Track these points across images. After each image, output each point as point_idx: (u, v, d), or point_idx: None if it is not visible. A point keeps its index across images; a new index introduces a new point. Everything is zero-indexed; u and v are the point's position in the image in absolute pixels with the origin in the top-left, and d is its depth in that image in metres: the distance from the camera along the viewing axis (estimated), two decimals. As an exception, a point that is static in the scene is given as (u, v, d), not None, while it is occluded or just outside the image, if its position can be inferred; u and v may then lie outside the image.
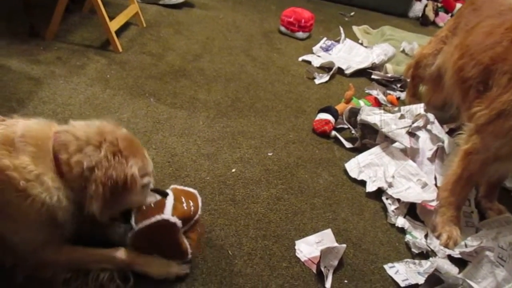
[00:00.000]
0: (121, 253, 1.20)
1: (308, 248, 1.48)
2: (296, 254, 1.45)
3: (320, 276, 1.38)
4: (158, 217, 1.19)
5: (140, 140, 1.76)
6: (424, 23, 3.86)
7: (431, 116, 1.98)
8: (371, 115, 2.00)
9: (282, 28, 3.09)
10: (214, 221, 1.51)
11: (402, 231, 1.64)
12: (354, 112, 2.08)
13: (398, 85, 2.62)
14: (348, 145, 2.04)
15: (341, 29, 3.09)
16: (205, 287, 1.28)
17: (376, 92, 2.44)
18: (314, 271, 1.40)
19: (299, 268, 1.41)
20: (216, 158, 1.81)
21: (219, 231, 1.47)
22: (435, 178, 1.85)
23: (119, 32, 2.52)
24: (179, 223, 1.20)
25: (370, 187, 1.81)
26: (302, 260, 1.44)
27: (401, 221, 1.66)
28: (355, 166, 1.91)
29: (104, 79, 2.18)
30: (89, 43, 2.46)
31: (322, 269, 1.38)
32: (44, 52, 2.29)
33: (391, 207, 1.72)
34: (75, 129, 1.14)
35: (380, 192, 1.79)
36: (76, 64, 2.25)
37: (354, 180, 1.85)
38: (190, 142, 1.86)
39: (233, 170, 1.76)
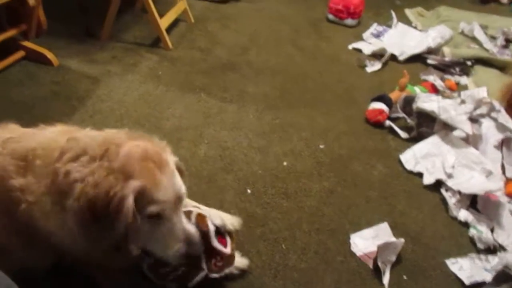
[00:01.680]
0: None
1: (364, 242, 1.44)
2: (351, 248, 1.42)
3: (377, 272, 1.34)
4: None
5: (192, 135, 1.84)
6: (484, 0, 3.60)
7: (496, 104, 1.84)
8: (427, 102, 1.90)
9: (330, 16, 3.00)
10: (267, 214, 1.51)
11: (465, 224, 1.55)
12: (409, 100, 1.99)
13: (457, 69, 2.47)
14: (403, 135, 1.96)
15: (393, 13, 2.96)
16: (259, 280, 1.28)
17: (433, 78, 2.31)
18: (371, 266, 1.36)
19: (355, 263, 1.37)
20: (267, 151, 1.80)
21: (273, 224, 1.47)
22: (502, 167, 1.72)
23: (169, 29, 2.57)
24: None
25: (428, 179, 1.72)
26: (358, 255, 1.40)
27: (463, 214, 1.58)
28: (411, 157, 1.82)
29: (156, 76, 2.23)
30: (141, 41, 2.54)
31: (379, 264, 1.34)
32: (100, 51, 2.39)
33: (452, 200, 1.63)
34: (82, 136, 1.01)
35: (439, 183, 1.70)
36: (130, 62, 2.32)
37: (411, 172, 1.77)
38: (241, 136, 1.87)
39: (285, 163, 1.75)
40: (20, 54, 2.20)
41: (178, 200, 0.99)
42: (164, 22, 2.48)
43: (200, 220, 1.13)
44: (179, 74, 2.26)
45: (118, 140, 0.97)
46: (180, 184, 1.00)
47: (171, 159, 1.02)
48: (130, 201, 0.90)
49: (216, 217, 1.20)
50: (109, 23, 2.46)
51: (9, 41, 2.15)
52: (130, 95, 2.07)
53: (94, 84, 2.12)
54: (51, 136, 1.06)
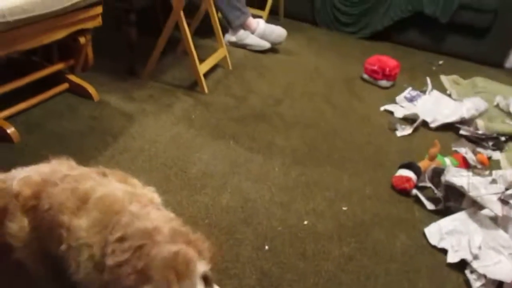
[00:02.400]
0: None
1: (380, 319, 1.38)
2: (367, 323, 1.37)
3: None
4: None
5: (217, 182, 1.85)
6: (522, 75, 3.58)
7: (528, 185, 1.79)
8: (457, 177, 1.87)
9: (365, 76, 3.05)
10: (283, 275, 1.48)
11: (489, 312, 1.47)
12: (438, 171, 1.95)
13: (490, 143, 2.43)
14: (430, 206, 1.91)
15: (428, 79, 2.98)
16: None
17: (465, 150, 2.28)
18: None
19: None
20: (289, 207, 1.79)
21: (287, 287, 1.44)
22: (532, 255, 1.65)
23: (206, 73, 2.67)
24: None
25: (452, 258, 1.66)
26: (373, 331, 1.34)
27: (488, 301, 1.50)
28: (436, 232, 1.77)
29: (189, 119, 2.30)
30: (179, 83, 2.64)
31: None
32: (139, 90, 2.49)
33: (476, 283, 1.56)
34: (142, 214, 1.03)
35: (463, 263, 1.63)
36: (165, 103, 2.41)
37: (435, 246, 1.72)
38: (264, 189, 1.87)
39: (305, 222, 1.73)
40: (64, 86, 2.33)
41: None
42: (203, 67, 2.58)
43: None
44: (211, 119, 2.32)
45: (159, 237, 0.98)
46: None
47: (200, 269, 1.01)
48: None
49: None
50: (152, 63, 2.59)
51: (56, 73, 2.28)
52: (162, 135, 2.13)
53: (129, 122, 2.20)
54: (117, 194, 1.07)
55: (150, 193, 1.19)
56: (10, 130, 1.94)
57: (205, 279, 1.03)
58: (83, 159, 1.87)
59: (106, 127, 2.13)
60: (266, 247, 1.58)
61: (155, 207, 1.12)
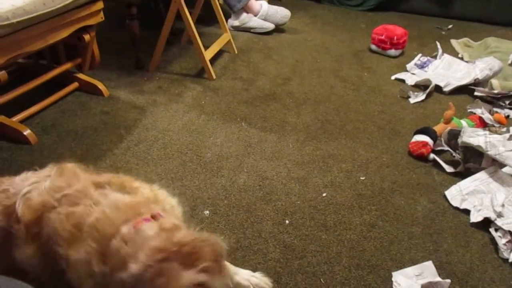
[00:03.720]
0: None
1: (407, 281, 1.38)
2: (393, 287, 1.36)
3: (421, 313, 1.28)
4: None
5: (232, 164, 1.87)
6: (536, 31, 3.48)
7: (549, 138, 1.75)
8: (474, 137, 1.83)
9: (373, 47, 3.00)
10: (306, 247, 1.49)
11: (518, 267, 1.46)
12: (455, 133, 1.92)
13: (507, 102, 2.37)
14: (449, 169, 1.89)
15: (438, 44, 2.91)
16: (297, 316, 1.26)
17: (481, 111, 2.23)
18: (414, 307, 1.30)
19: (397, 303, 1.32)
20: (306, 182, 1.79)
21: (311, 257, 1.45)
22: (558, 208, 1.62)
23: (212, 60, 2.67)
24: None
25: (475, 217, 1.64)
26: (400, 294, 1.34)
27: (515, 256, 1.48)
28: (457, 194, 1.75)
29: (199, 106, 2.31)
30: (186, 72, 2.64)
31: (423, 305, 1.28)
32: (148, 82, 2.51)
33: (502, 240, 1.54)
34: (129, 239, 0.93)
35: (487, 222, 1.61)
36: (175, 92, 2.42)
37: (457, 208, 1.70)
38: (280, 166, 1.88)
39: (324, 195, 1.73)
40: (74, 85, 2.36)
41: None
42: (208, 54, 2.58)
43: None
44: (221, 104, 2.33)
45: (174, 247, 0.88)
46: None
47: (219, 283, 0.92)
48: None
49: (245, 279, 1.25)
50: (157, 55, 2.60)
51: (65, 73, 2.32)
52: (174, 124, 2.15)
53: (141, 114, 2.22)
54: (109, 214, 1.00)
55: (153, 194, 1.11)
56: (27, 132, 1.98)
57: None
58: (100, 153, 1.91)
59: (119, 121, 2.16)
60: (287, 222, 1.59)
61: (153, 217, 1.00)
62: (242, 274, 1.29)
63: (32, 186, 1.11)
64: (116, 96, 2.36)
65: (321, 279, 1.37)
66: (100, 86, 2.36)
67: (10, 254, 1.08)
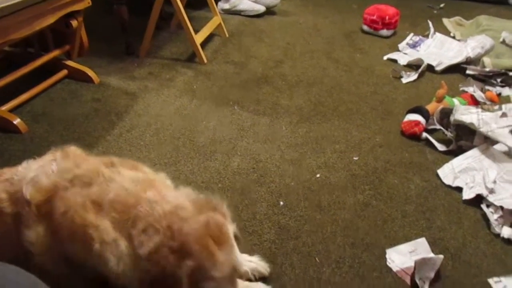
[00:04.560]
0: None
1: (401, 258, 1.40)
2: (388, 263, 1.38)
3: (414, 288, 1.30)
4: None
5: (226, 147, 1.86)
6: (527, 9, 3.47)
7: (540, 114, 1.76)
8: (466, 114, 1.84)
9: (365, 27, 2.98)
10: (300, 227, 1.50)
11: (509, 242, 1.47)
12: (447, 112, 1.93)
13: (499, 80, 2.38)
14: (441, 147, 1.90)
15: (430, 23, 2.90)
16: (293, 294, 1.27)
17: (473, 89, 2.24)
18: (408, 282, 1.32)
19: (391, 279, 1.33)
20: (300, 163, 1.79)
21: (306, 237, 1.46)
22: (548, 184, 1.63)
23: (203, 44, 2.64)
24: None
25: (467, 194, 1.66)
26: (394, 270, 1.36)
27: (507, 231, 1.49)
28: (450, 172, 1.76)
29: (191, 90, 2.29)
30: (177, 56, 2.62)
31: (417, 281, 1.29)
32: (138, 68, 2.48)
33: (494, 216, 1.56)
34: (158, 199, 1.04)
35: (479, 199, 1.63)
36: (166, 78, 2.40)
37: (449, 186, 1.71)
38: (273, 148, 1.88)
39: (318, 176, 1.73)
40: (63, 73, 2.33)
41: (235, 273, 1.03)
42: (199, 38, 2.55)
43: None
44: (213, 88, 2.31)
45: (184, 213, 1.00)
46: (237, 259, 1.03)
47: (231, 230, 1.04)
48: (184, 280, 0.95)
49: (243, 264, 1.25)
50: (146, 41, 2.56)
51: (53, 61, 2.28)
52: (166, 109, 2.13)
53: (132, 100, 2.20)
54: (128, 187, 1.06)
55: (163, 178, 1.18)
56: (16, 121, 1.95)
57: (236, 238, 1.05)
58: (92, 141, 1.90)
59: (110, 107, 2.14)
60: (281, 203, 1.59)
61: (170, 189, 1.12)
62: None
63: (38, 171, 1.11)
64: (106, 83, 2.33)
65: (316, 258, 1.38)
66: (90, 73, 2.33)
67: (18, 241, 1.07)
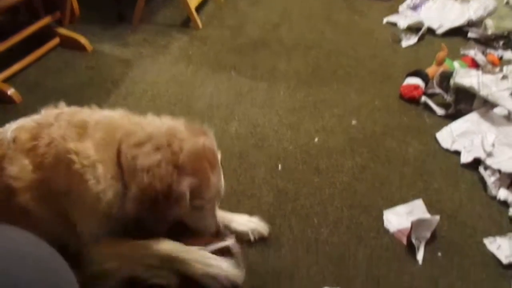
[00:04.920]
0: (166, 245, 1.09)
1: (398, 219, 1.41)
2: (385, 225, 1.40)
3: (411, 248, 1.32)
4: (222, 243, 1.11)
5: (223, 113, 1.85)
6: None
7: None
8: (466, 78, 1.82)
9: (364, -10, 2.90)
10: (299, 190, 1.51)
11: (505, 204, 1.48)
12: (447, 75, 1.90)
13: (501, 43, 2.33)
14: (440, 111, 1.88)
15: (431, -16, 2.81)
16: (292, 253, 1.29)
17: (474, 52, 2.20)
18: (404, 242, 1.34)
19: (388, 239, 1.35)
20: (298, 128, 1.79)
21: (304, 200, 1.47)
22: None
23: (198, 8, 2.57)
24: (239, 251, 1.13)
25: (465, 158, 1.66)
26: (391, 231, 1.38)
27: (503, 193, 1.51)
28: (448, 136, 1.76)
29: (187, 56, 2.25)
30: (172, 22, 2.55)
31: (413, 241, 1.31)
32: (132, 35, 2.42)
33: (491, 179, 1.56)
34: (147, 122, 1.10)
35: (477, 162, 1.63)
36: (161, 44, 2.35)
37: (448, 150, 1.71)
38: (271, 113, 1.86)
39: (316, 140, 1.73)
40: (55, 41, 2.26)
41: (218, 196, 1.14)
42: (193, 2, 2.49)
43: None
44: (209, 53, 2.27)
45: (181, 135, 1.06)
46: (222, 183, 1.13)
47: (219, 155, 1.13)
48: (187, 197, 1.03)
49: (242, 224, 1.30)
50: (140, 6, 2.49)
51: (45, 28, 2.21)
52: (162, 76, 2.10)
53: (127, 67, 2.16)
54: (112, 115, 1.13)
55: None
56: (10, 91, 1.92)
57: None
58: (88, 107, 1.87)
59: (105, 75, 2.10)
60: (280, 167, 1.60)
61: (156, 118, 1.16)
62: (239, 220, 1.31)
63: (22, 122, 1.15)
64: (100, 51, 2.28)
65: (315, 220, 1.40)
66: (83, 40, 2.27)
67: (2, 173, 1.07)
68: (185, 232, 1.15)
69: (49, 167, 1.05)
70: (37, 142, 1.07)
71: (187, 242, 1.11)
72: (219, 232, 1.16)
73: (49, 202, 1.08)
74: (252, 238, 1.29)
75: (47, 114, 1.15)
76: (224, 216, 1.28)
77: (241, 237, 1.28)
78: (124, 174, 1.03)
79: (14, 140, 1.08)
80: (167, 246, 1.08)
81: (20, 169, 1.06)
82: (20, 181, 1.06)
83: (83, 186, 1.03)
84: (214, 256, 1.09)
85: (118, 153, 1.04)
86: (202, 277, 1.06)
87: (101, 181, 1.03)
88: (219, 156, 1.14)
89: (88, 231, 1.08)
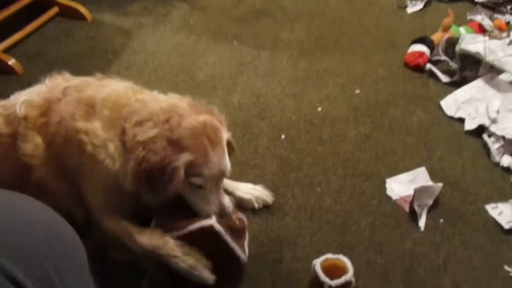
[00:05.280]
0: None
1: (400, 186, 1.42)
2: (387, 192, 1.41)
3: (413, 215, 1.33)
4: (202, 223, 1.07)
5: (226, 83, 1.83)
6: None
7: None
8: (472, 43, 1.78)
9: (369, -46, 2.81)
10: (302, 159, 1.51)
11: (508, 170, 1.49)
12: (452, 41, 1.87)
13: (509, 7, 2.27)
14: (445, 79, 1.86)
15: None
16: (295, 221, 1.31)
17: (481, 17, 2.15)
18: (407, 210, 1.35)
19: (390, 207, 1.37)
20: (301, 97, 1.78)
21: (307, 169, 1.48)
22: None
23: (199, -24, 2.51)
24: (222, 231, 1.08)
25: (470, 125, 1.65)
26: (394, 198, 1.39)
27: (507, 160, 1.51)
28: (452, 103, 1.74)
29: (188, 25, 2.21)
30: (172, -11, 2.49)
31: (416, 208, 1.33)
32: (132, 3, 2.38)
33: (495, 145, 1.56)
34: (151, 99, 1.09)
35: (481, 130, 1.62)
36: (161, 13, 2.31)
37: (452, 117, 1.70)
38: (274, 83, 1.85)
39: (319, 109, 1.72)
40: (54, 10, 2.23)
41: (221, 176, 1.09)
42: (194, -31, 2.42)
43: None
44: (211, 22, 2.23)
45: (182, 111, 1.04)
46: (226, 163, 1.09)
47: (225, 135, 1.09)
48: (181, 173, 1.01)
49: (247, 193, 1.30)
50: (139, -27, 2.43)
51: (42, -2, 2.18)
52: (163, 46, 2.07)
53: (128, 37, 2.13)
54: (118, 89, 1.11)
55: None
56: (11, 61, 1.91)
57: (228, 144, 1.12)
58: (89, 79, 1.87)
59: (106, 45, 2.08)
60: (283, 137, 1.60)
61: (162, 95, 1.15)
62: (244, 189, 1.33)
63: (29, 94, 1.14)
64: (99, 20, 2.25)
65: (318, 189, 1.41)
66: (82, 9, 2.24)
67: (16, 159, 1.10)
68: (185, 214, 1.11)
69: (61, 145, 1.07)
70: (47, 119, 1.08)
71: (171, 225, 1.09)
72: (225, 214, 1.11)
73: (62, 177, 1.11)
74: (256, 206, 1.31)
75: (53, 86, 1.14)
76: (229, 185, 1.30)
77: (246, 205, 1.30)
78: (127, 151, 1.03)
79: (25, 118, 1.09)
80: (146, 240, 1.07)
81: (34, 147, 1.08)
82: (35, 158, 1.08)
83: (97, 165, 1.04)
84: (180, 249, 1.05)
85: (123, 130, 1.04)
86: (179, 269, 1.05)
87: (116, 159, 1.04)
88: (225, 135, 1.10)
89: (103, 206, 1.10)
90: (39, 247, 0.54)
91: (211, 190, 1.08)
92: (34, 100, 1.11)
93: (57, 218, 0.60)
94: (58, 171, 1.10)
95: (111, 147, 1.04)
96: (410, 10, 2.33)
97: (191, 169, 1.03)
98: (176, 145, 1.00)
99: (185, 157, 1.00)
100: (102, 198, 1.11)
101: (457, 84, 1.82)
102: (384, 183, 1.44)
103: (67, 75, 1.20)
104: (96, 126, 1.05)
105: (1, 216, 0.54)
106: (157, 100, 1.09)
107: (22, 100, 1.11)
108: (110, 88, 1.11)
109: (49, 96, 1.11)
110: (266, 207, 1.33)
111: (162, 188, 1.02)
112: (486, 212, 1.36)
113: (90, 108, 1.07)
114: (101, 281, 0.71)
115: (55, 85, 1.14)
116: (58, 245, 0.57)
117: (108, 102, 1.07)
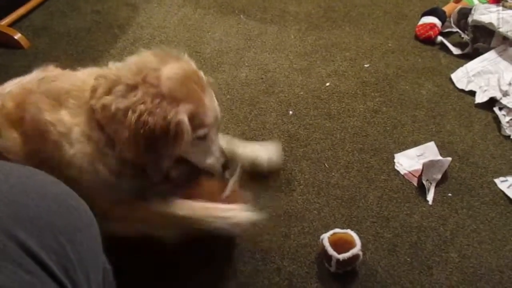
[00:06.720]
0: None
1: (409, 161, 1.42)
2: (395, 167, 1.41)
3: (421, 189, 1.34)
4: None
5: (233, 58, 1.82)
6: None
7: None
8: (486, 14, 1.74)
9: None
10: (310, 135, 1.51)
11: (519, 143, 1.48)
12: (465, 12, 1.82)
13: (524, -24, 2.20)
14: (456, 51, 1.83)
15: None
16: (303, 197, 1.32)
17: (494, -14, 2.08)
18: (415, 184, 1.36)
19: (399, 181, 1.37)
20: (309, 72, 1.76)
21: (315, 145, 1.48)
22: None
23: None
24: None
25: (481, 98, 1.63)
26: (402, 173, 1.39)
27: (517, 133, 1.50)
28: (463, 76, 1.71)
29: (194, -1, 2.18)
30: (177, -38, 2.44)
31: (424, 182, 1.33)
32: (137, -24, 2.33)
33: (506, 118, 1.54)
34: (109, 70, 0.98)
35: (492, 103, 1.60)
36: (167, -14, 2.26)
37: (462, 90, 1.68)
38: (282, 58, 1.82)
39: (327, 84, 1.70)
40: (60, -17, 2.21)
41: (216, 121, 1.02)
42: None
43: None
44: (218, -5, 2.19)
45: (152, 65, 0.94)
46: (217, 105, 1.02)
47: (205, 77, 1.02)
48: (187, 124, 0.92)
49: (256, 151, 1.28)
50: None
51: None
52: (169, 20, 2.05)
53: (134, 11, 2.11)
54: (81, 77, 1.04)
55: None
56: (17, 36, 1.90)
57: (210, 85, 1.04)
58: (96, 55, 1.86)
59: (112, 19, 2.06)
60: (290, 112, 1.59)
61: None
62: (253, 147, 1.30)
63: (16, 84, 1.09)
64: (104, -6, 2.22)
65: (325, 164, 1.42)
66: (87, -17, 2.21)
67: None
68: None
69: (38, 141, 1.01)
70: (24, 114, 1.02)
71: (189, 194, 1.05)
72: (227, 165, 1.06)
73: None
74: (266, 166, 1.29)
75: (33, 76, 1.09)
76: (237, 144, 1.27)
77: (255, 167, 1.28)
78: (105, 127, 0.95)
79: (1, 109, 1.03)
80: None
81: (12, 142, 1.02)
82: (15, 154, 1.02)
83: (67, 153, 0.97)
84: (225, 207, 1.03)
85: (91, 111, 0.95)
86: (216, 230, 1.01)
87: (84, 142, 0.96)
88: (204, 77, 1.02)
89: (100, 199, 0.99)
90: (54, 219, 0.55)
91: (212, 139, 1.02)
92: (14, 91, 1.06)
93: (69, 192, 0.61)
94: (38, 166, 1.04)
95: (77, 131, 0.96)
96: (421, -20, 2.26)
97: (193, 120, 0.94)
98: (170, 98, 0.90)
99: (185, 108, 0.91)
100: (92, 191, 0.98)
101: (468, 56, 1.79)
102: (393, 158, 1.44)
103: (53, 67, 1.14)
104: (62, 115, 0.97)
105: (15, 189, 0.55)
106: (119, 67, 0.98)
107: (7, 91, 1.06)
108: (74, 77, 1.05)
109: (26, 87, 1.05)
110: (274, 181, 1.34)
111: (169, 150, 0.93)
112: (495, 185, 1.36)
113: (56, 100, 1.00)
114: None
115: (36, 76, 1.09)
116: (72, 218, 0.58)
117: (71, 92, 1.00)
